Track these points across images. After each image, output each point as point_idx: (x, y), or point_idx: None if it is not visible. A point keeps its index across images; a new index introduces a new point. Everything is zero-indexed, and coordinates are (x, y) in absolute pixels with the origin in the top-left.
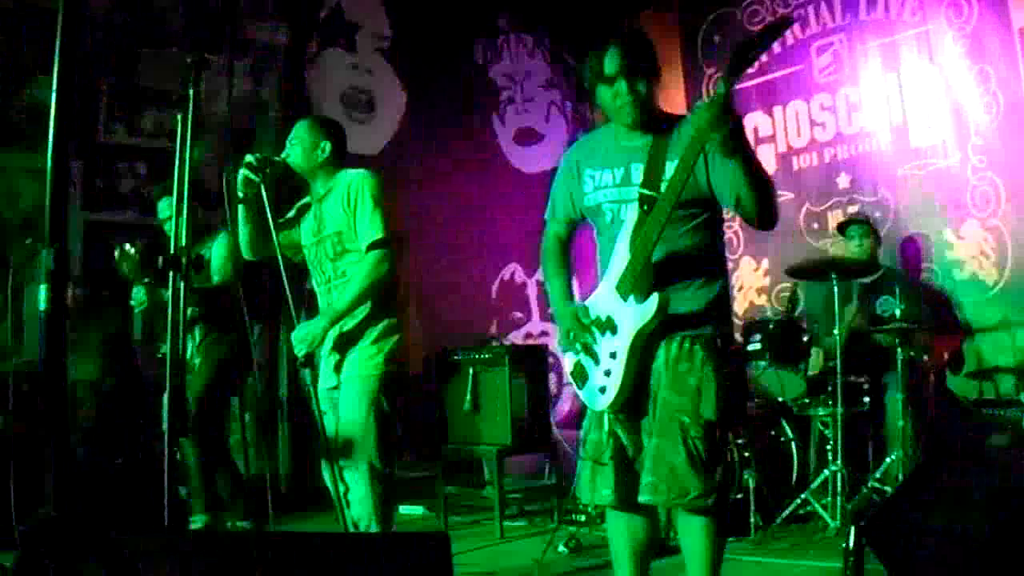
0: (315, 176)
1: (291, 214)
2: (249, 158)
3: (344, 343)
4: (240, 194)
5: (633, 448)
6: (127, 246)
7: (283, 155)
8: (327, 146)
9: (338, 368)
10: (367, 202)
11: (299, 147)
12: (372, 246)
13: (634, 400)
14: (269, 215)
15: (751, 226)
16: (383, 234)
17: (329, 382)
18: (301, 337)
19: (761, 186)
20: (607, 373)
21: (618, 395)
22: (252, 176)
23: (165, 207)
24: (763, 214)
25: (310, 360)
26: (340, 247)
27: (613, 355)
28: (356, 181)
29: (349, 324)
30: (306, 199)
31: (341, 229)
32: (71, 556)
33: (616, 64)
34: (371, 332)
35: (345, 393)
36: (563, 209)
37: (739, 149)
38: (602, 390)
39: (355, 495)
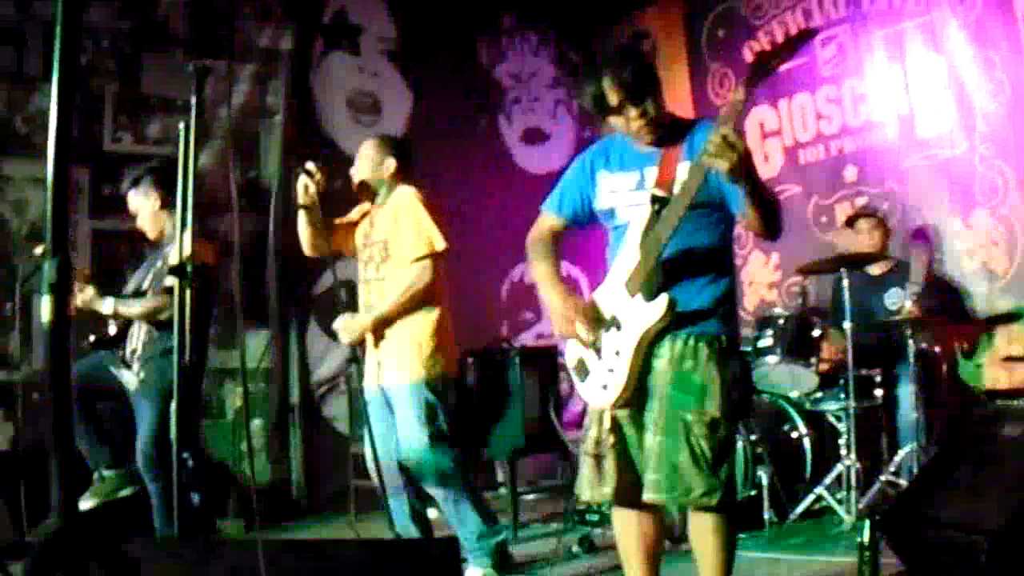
0: (379, 187)
1: (354, 216)
2: (309, 165)
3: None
4: (300, 201)
5: (634, 444)
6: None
7: (352, 169)
8: (391, 163)
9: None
10: (411, 220)
11: (366, 163)
12: (416, 259)
13: (635, 396)
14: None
15: (754, 234)
16: (425, 251)
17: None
18: (345, 326)
19: (765, 208)
20: (610, 370)
21: (621, 393)
22: (309, 182)
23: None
24: (767, 230)
25: (354, 356)
26: (385, 253)
27: (617, 353)
28: (404, 199)
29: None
30: (366, 205)
31: (387, 238)
32: (79, 566)
33: (619, 94)
34: (409, 336)
35: (397, 402)
36: (571, 205)
37: (743, 179)
38: (604, 387)
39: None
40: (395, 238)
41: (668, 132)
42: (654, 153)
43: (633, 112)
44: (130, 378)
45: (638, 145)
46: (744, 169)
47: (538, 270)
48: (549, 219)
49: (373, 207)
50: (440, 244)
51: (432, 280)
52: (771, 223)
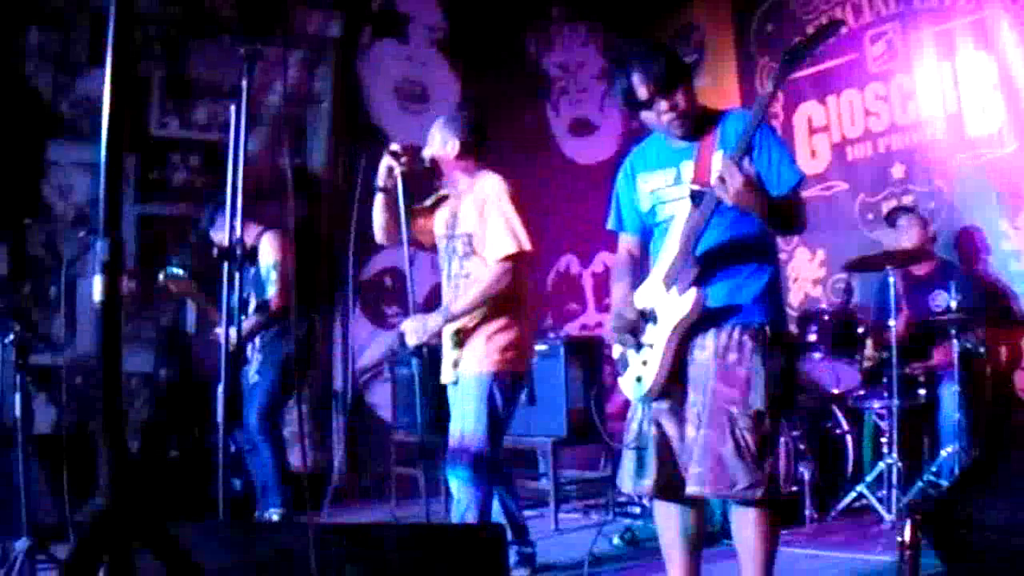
0: (453, 171)
1: (429, 202)
2: (393, 146)
3: (461, 341)
4: (380, 183)
5: (675, 437)
6: (172, 269)
7: (425, 150)
8: (455, 144)
9: (456, 365)
10: (499, 214)
11: (433, 146)
12: (499, 259)
13: (677, 389)
14: (401, 206)
15: None
16: (511, 250)
17: (448, 378)
18: (414, 328)
19: (779, 219)
20: (644, 363)
21: (653, 385)
22: (394, 164)
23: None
24: (784, 233)
25: (419, 350)
26: (469, 248)
27: (651, 345)
28: (491, 190)
29: (463, 321)
30: (445, 190)
31: (473, 232)
32: (125, 547)
33: (648, 88)
34: (485, 330)
35: (460, 390)
36: (629, 218)
37: (749, 207)
38: (639, 379)
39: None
40: (480, 233)
41: (699, 124)
42: (688, 147)
43: (664, 105)
44: (250, 372)
45: (671, 141)
46: (747, 197)
47: (612, 293)
48: (622, 240)
49: (453, 195)
50: (527, 245)
51: (512, 283)
52: (788, 228)
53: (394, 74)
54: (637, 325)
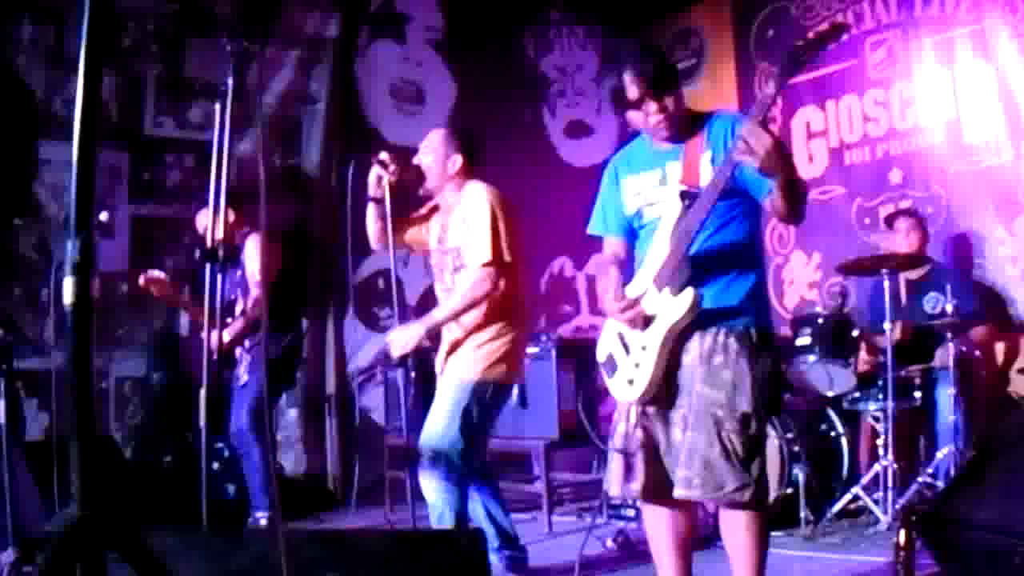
0: (444, 187)
1: (424, 211)
2: (382, 155)
3: (449, 349)
4: (371, 193)
5: (663, 441)
6: (153, 272)
7: (416, 160)
8: (457, 160)
9: (442, 372)
10: (481, 220)
11: (431, 155)
12: (478, 266)
13: (664, 392)
14: (388, 214)
15: (777, 218)
16: (490, 255)
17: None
18: (396, 339)
19: (794, 196)
20: (636, 365)
21: (647, 388)
22: (383, 173)
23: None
24: (793, 217)
25: (403, 360)
26: (459, 262)
27: (644, 348)
28: (476, 198)
29: (456, 332)
30: (437, 200)
31: (460, 245)
32: (99, 555)
33: (639, 88)
34: (475, 339)
35: (441, 392)
36: (615, 220)
37: (776, 171)
38: (630, 382)
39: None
40: (466, 243)
41: (685, 127)
42: (674, 149)
43: (652, 107)
44: (241, 374)
45: (656, 143)
46: (776, 161)
47: (602, 287)
48: (607, 243)
49: (443, 209)
50: (505, 255)
51: (494, 289)
52: (798, 209)
53: (390, 75)
54: (640, 310)
